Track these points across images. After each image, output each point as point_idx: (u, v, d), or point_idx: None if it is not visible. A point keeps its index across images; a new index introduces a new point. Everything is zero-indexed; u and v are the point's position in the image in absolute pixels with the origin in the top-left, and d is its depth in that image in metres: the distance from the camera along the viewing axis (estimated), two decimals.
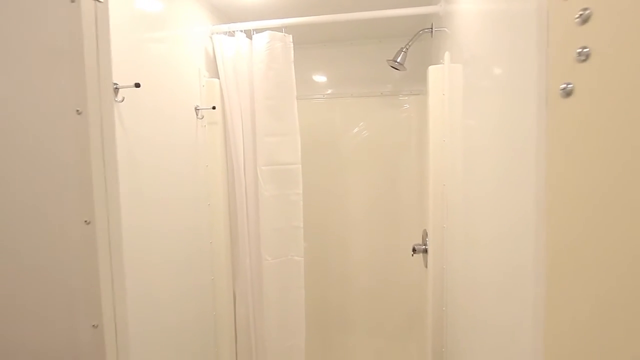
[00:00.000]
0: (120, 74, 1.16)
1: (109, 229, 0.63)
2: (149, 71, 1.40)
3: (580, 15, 0.46)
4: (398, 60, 2.08)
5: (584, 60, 0.45)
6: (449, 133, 1.55)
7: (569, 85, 0.48)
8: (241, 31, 1.84)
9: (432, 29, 1.94)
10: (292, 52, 1.83)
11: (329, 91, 2.59)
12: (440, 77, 1.63)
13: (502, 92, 0.86)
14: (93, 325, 0.64)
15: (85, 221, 0.62)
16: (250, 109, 1.87)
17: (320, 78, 2.61)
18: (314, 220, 2.44)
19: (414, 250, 1.98)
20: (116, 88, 1.14)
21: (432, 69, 1.68)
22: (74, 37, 0.60)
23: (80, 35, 0.60)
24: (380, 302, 2.59)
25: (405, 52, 2.07)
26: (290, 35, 1.83)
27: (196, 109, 1.74)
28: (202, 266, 1.82)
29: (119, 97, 1.16)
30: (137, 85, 1.16)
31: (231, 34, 1.85)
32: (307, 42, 2.47)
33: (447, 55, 1.56)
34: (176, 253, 1.57)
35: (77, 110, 0.61)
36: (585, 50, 0.45)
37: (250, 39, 1.84)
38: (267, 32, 1.80)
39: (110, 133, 0.64)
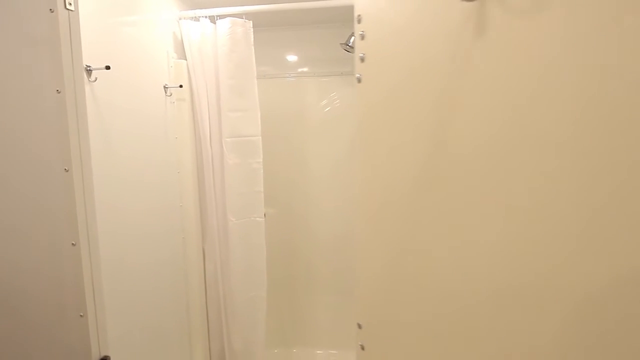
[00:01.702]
0: (95, 56, 1.32)
1: (83, 175, 0.89)
2: (121, 53, 1.58)
3: (361, 34, 0.73)
4: (350, 43, 2.32)
5: (363, 61, 0.73)
6: None
7: (360, 75, 0.77)
8: (205, 17, 2.05)
9: None
10: (252, 36, 2.06)
11: (298, 70, 2.81)
12: None
13: None
14: (72, 244, 0.91)
15: (65, 169, 0.87)
16: (215, 87, 2.10)
17: (289, 58, 2.82)
18: (281, 186, 2.70)
19: None
20: (90, 70, 1.31)
21: None
22: (54, 36, 0.83)
23: (58, 35, 0.83)
24: (342, 260, 2.86)
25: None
26: (250, 22, 2.04)
27: (165, 87, 1.96)
28: (174, 227, 2.06)
29: (92, 78, 1.34)
30: (107, 67, 1.35)
31: (196, 19, 2.06)
32: (274, 24, 2.67)
33: None
34: (149, 215, 1.77)
35: (57, 90, 0.86)
36: (363, 55, 0.73)
37: (214, 24, 2.05)
38: (229, 18, 2.02)
39: (82, 106, 0.88)
